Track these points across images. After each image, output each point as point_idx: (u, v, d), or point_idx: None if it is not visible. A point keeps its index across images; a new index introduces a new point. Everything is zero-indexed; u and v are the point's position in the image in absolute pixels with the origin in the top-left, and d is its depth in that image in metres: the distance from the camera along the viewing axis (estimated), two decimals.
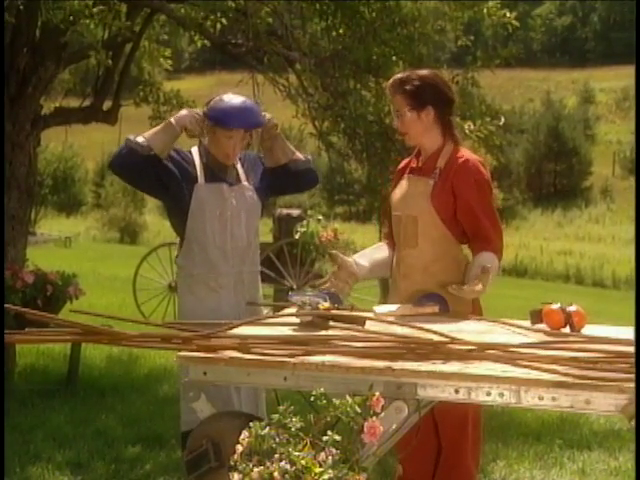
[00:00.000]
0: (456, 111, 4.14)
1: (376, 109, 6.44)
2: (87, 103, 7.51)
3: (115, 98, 7.41)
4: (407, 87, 3.52)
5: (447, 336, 2.73)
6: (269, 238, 11.44)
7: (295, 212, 11.83)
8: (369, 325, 2.98)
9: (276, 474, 2.18)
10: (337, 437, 2.24)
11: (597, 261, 27.64)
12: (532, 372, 2.43)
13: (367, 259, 3.66)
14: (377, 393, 2.33)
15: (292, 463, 2.19)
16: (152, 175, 3.71)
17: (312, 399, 2.31)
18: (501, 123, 6.47)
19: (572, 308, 3.06)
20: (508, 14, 6.95)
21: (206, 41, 7.59)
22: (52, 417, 5.57)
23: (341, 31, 6.79)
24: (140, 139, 3.69)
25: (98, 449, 4.95)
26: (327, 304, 3.02)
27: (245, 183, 3.86)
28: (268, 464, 2.21)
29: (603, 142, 49.46)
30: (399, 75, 3.62)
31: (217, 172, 3.80)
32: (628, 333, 2.88)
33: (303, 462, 2.18)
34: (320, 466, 2.18)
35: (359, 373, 2.49)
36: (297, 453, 2.20)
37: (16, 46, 6.59)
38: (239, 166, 3.88)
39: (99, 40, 6.31)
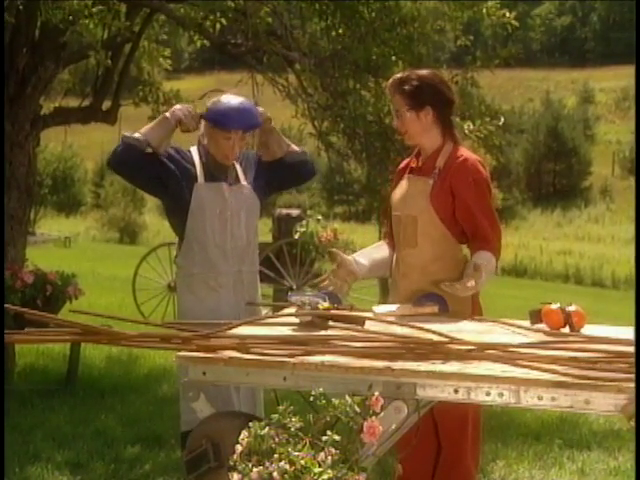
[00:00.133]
0: (456, 111, 4.13)
1: (375, 109, 6.45)
2: (86, 103, 7.52)
3: (114, 98, 7.41)
4: (406, 87, 3.53)
5: (446, 336, 2.73)
6: (268, 238, 11.43)
7: (294, 212, 11.84)
8: (368, 325, 2.98)
9: (275, 474, 2.18)
10: (336, 437, 2.24)
11: (596, 261, 27.62)
12: (531, 372, 2.43)
13: (367, 258, 3.66)
14: (376, 393, 2.32)
15: (291, 463, 2.19)
16: (151, 171, 3.73)
17: (311, 399, 2.31)
18: (500, 123, 6.47)
19: (571, 308, 3.06)
20: (507, 14, 6.96)
21: (205, 41, 7.60)
22: (51, 417, 5.57)
23: (340, 31, 6.80)
24: (136, 135, 3.71)
25: (97, 449, 4.95)
26: (326, 304, 3.01)
27: (244, 183, 3.87)
28: (267, 464, 2.21)
29: (602, 142, 49.47)
30: (398, 75, 3.63)
31: (216, 172, 3.80)
32: (628, 333, 2.88)
33: (302, 462, 2.18)
34: (319, 466, 2.18)
35: (358, 373, 2.49)
36: (296, 453, 2.20)
37: (15, 46, 6.59)
38: (238, 166, 3.88)
39: (98, 40, 6.30)
